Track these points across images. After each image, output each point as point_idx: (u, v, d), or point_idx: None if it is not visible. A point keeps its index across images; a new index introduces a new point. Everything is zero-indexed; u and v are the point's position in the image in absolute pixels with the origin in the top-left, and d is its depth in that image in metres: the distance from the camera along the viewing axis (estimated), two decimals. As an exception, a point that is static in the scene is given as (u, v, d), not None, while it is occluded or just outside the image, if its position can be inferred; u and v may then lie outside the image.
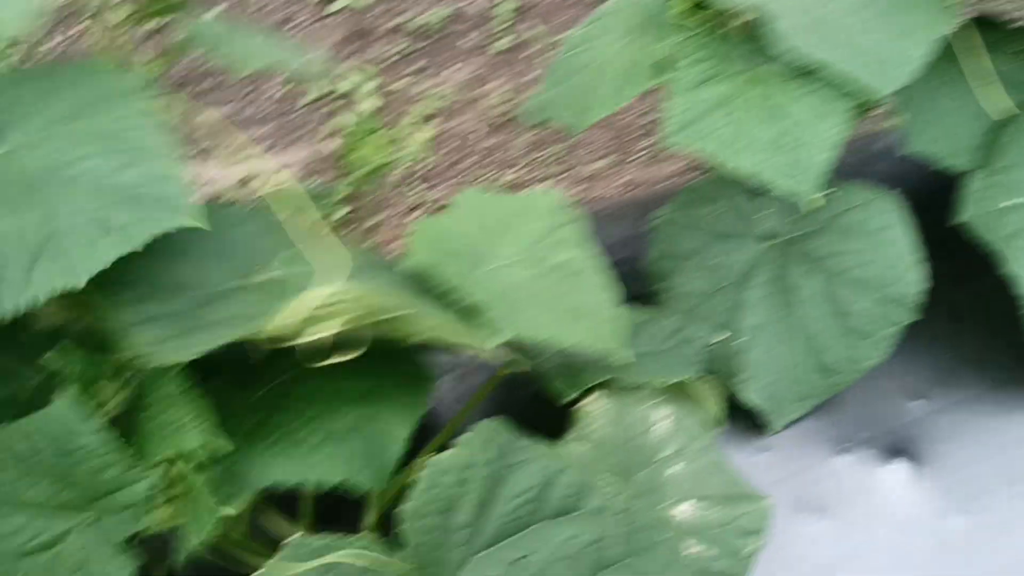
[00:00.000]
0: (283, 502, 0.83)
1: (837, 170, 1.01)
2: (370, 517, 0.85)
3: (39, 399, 0.76)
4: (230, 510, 0.68)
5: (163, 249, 0.68)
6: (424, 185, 2.20)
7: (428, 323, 0.71)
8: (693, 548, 0.82)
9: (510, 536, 0.71)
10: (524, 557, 0.70)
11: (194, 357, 0.66)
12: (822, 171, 0.98)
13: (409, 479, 0.87)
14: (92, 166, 0.63)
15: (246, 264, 0.78)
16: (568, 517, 0.72)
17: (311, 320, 0.67)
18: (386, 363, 0.79)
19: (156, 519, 0.69)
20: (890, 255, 1.06)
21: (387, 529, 0.84)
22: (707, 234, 1.15)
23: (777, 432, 1.11)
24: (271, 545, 0.71)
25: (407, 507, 0.68)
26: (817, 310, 1.09)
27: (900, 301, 1.05)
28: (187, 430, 0.68)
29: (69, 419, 0.68)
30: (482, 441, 0.71)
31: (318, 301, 0.65)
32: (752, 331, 1.10)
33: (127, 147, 0.65)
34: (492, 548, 0.70)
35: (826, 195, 0.99)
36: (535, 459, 0.73)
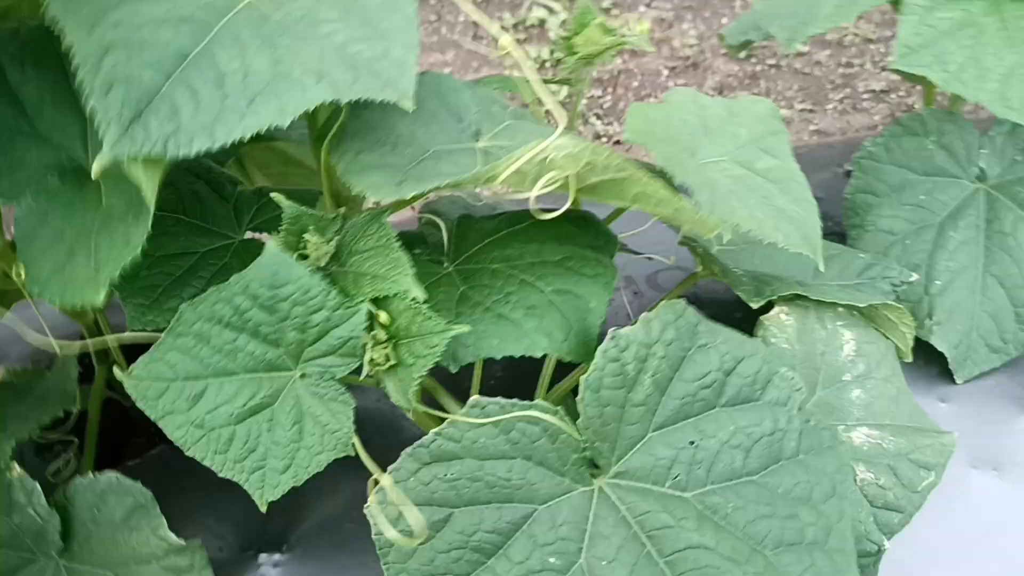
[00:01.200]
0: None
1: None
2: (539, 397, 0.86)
3: (245, 258, 0.83)
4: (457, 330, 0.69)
5: (385, 108, 0.71)
6: (600, 122, 2.19)
7: (647, 189, 0.70)
8: (863, 475, 0.79)
9: (686, 419, 0.70)
10: (698, 442, 0.70)
11: (413, 193, 0.68)
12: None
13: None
14: (329, 30, 0.66)
15: (468, 130, 0.80)
16: (746, 406, 0.71)
17: (535, 169, 0.67)
18: (579, 232, 0.80)
19: (368, 363, 0.71)
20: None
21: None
22: (914, 171, 1.09)
23: (964, 383, 1.05)
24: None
25: (587, 378, 0.69)
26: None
27: (1114, 259, 0.98)
28: (390, 278, 0.71)
29: (278, 264, 0.71)
30: (666, 320, 0.71)
31: (546, 149, 0.66)
32: (950, 274, 1.05)
33: (368, 21, 0.67)
34: (667, 428, 0.70)
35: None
36: (720, 343, 0.72)
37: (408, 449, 0.68)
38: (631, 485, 0.69)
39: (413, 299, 0.69)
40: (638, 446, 0.70)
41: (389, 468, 0.68)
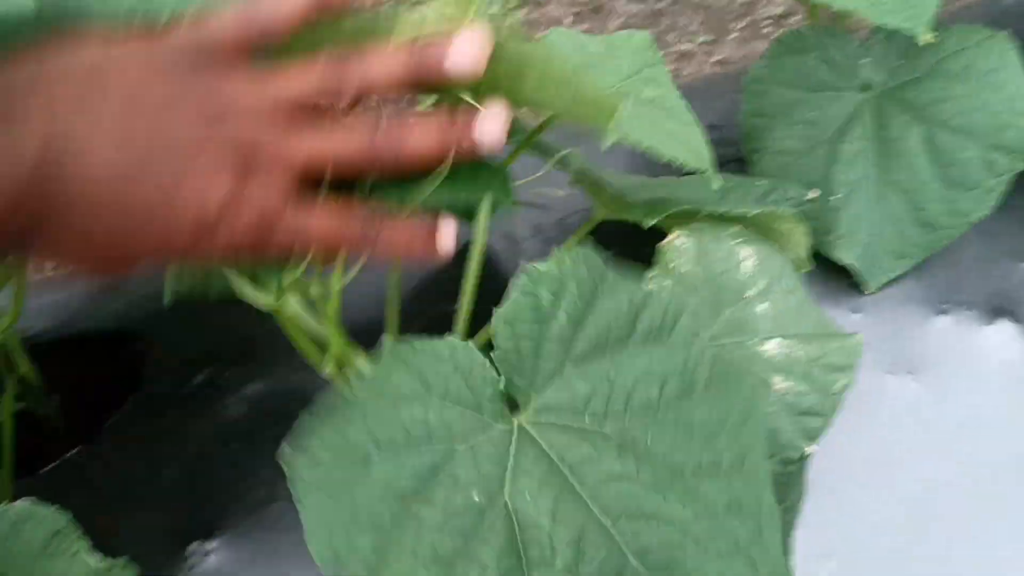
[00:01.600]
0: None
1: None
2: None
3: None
4: None
5: None
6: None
7: (546, 68, 0.67)
8: (780, 384, 0.82)
9: (601, 355, 0.71)
10: (613, 376, 0.70)
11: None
12: (934, 7, 0.93)
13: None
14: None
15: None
16: (658, 341, 0.72)
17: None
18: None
19: None
20: (1000, 99, 1.01)
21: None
22: (800, 88, 1.11)
23: (873, 292, 1.08)
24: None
25: (502, 311, 0.69)
26: (918, 162, 1.06)
27: (1009, 149, 1.01)
28: None
29: None
30: (577, 256, 0.71)
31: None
32: (848, 187, 1.07)
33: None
34: (583, 364, 0.70)
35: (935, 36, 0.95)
36: (629, 281, 0.72)
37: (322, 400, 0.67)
38: (550, 420, 0.69)
39: None
40: (555, 381, 0.70)
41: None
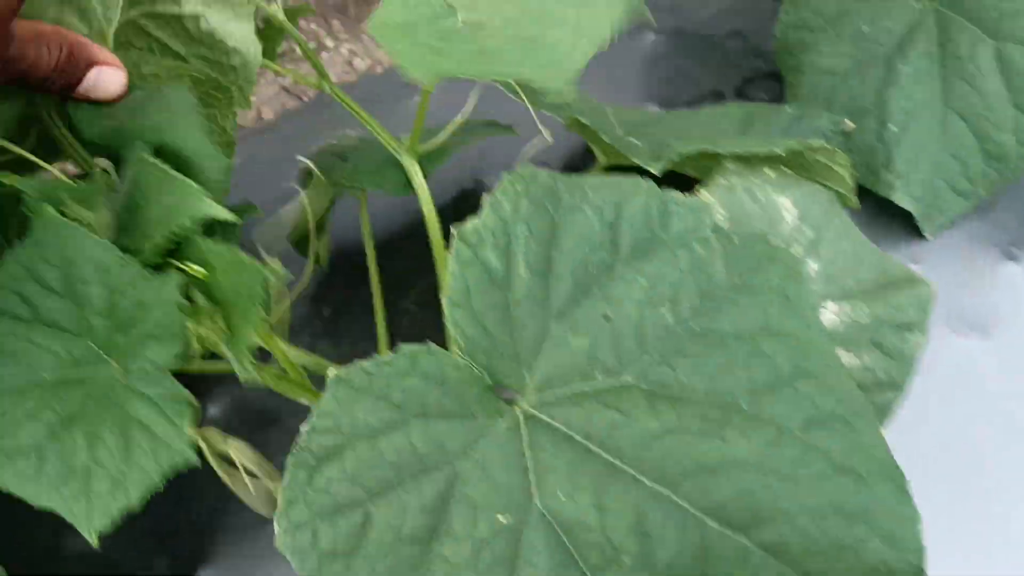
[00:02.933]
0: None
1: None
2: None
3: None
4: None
5: None
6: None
7: None
8: (846, 359, 0.66)
9: (587, 295, 0.57)
10: (612, 313, 0.56)
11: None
12: None
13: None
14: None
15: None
16: (650, 251, 0.57)
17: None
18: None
19: (196, 340, 0.57)
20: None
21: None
22: (853, -6, 0.93)
23: (932, 237, 0.92)
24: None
25: (447, 295, 0.55)
26: (988, 84, 0.88)
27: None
28: (184, 207, 0.55)
29: (63, 237, 0.57)
30: (515, 192, 0.56)
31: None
32: (905, 116, 0.90)
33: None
34: (569, 314, 0.56)
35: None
36: (590, 196, 0.58)
37: (290, 457, 0.54)
38: (557, 394, 0.56)
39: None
40: (544, 347, 0.56)
41: (281, 486, 0.54)
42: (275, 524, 0.53)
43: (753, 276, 0.57)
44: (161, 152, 0.58)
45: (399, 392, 0.54)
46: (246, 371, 0.54)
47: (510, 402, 0.56)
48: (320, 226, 0.81)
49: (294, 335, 0.85)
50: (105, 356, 0.57)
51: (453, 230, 0.56)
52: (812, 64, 0.93)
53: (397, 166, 0.74)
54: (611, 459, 0.54)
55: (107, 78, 0.60)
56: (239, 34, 0.66)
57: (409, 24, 0.56)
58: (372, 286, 0.77)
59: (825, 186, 0.74)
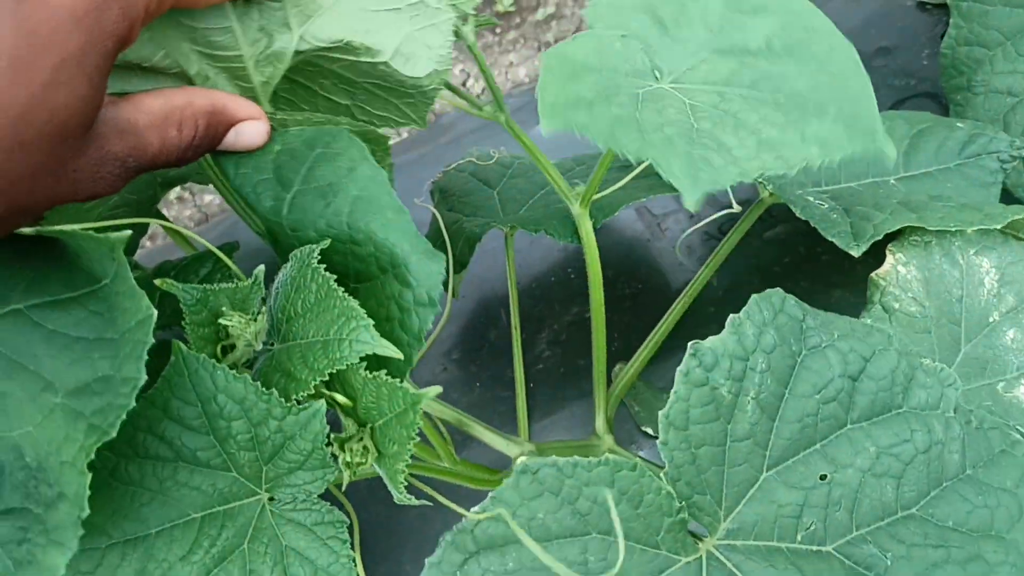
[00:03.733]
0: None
1: None
2: (599, 422, 0.69)
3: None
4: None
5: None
6: None
7: None
8: None
9: (810, 448, 0.52)
10: (831, 475, 0.52)
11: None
12: None
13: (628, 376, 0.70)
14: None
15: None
16: (886, 417, 0.52)
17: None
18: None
19: (345, 466, 0.53)
20: None
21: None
22: (1039, 8, 0.84)
23: None
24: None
25: (667, 413, 0.51)
26: None
27: None
28: (344, 339, 0.48)
29: (194, 373, 0.53)
30: (762, 319, 0.52)
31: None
32: None
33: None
34: (786, 464, 0.52)
35: None
36: (838, 339, 0.53)
37: (448, 535, 0.51)
38: (750, 545, 0.52)
39: (369, 365, 0.49)
40: (751, 492, 0.52)
41: (427, 561, 0.51)
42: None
43: (987, 472, 0.52)
44: (351, 235, 0.51)
45: (588, 502, 0.50)
46: (401, 494, 0.51)
47: (698, 540, 0.52)
48: (462, 262, 0.76)
49: (417, 376, 0.80)
50: (254, 488, 0.54)
51: (690, 346, 0.51)
52: (985, 83, 0.84)
53: (564, 212, 0.69)
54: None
55: (248, 133, 0.52)
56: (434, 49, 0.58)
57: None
58: (513, 331, 0.73)
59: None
